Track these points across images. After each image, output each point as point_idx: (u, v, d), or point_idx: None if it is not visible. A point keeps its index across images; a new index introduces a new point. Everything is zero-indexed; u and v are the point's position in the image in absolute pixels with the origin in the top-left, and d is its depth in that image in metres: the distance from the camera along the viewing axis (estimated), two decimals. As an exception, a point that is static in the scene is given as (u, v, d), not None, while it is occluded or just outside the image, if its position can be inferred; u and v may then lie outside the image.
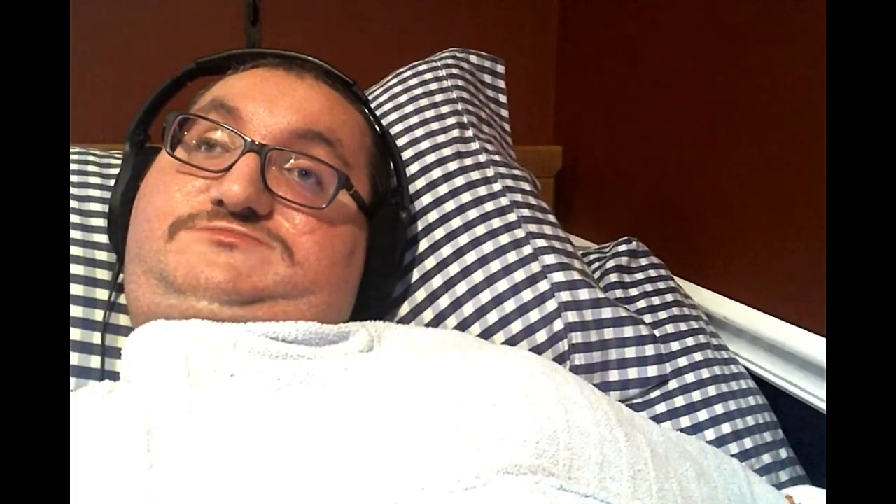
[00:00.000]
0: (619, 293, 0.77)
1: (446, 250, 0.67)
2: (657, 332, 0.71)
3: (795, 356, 0.72)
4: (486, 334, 0.64)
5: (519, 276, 0.66)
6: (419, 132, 0.74)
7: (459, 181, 0.71)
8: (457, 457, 0.40)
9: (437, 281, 0.66)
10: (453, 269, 0.67)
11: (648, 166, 1.02)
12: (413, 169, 0.71)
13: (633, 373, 0.67)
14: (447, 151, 0.73)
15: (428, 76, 0.79)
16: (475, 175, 0.72)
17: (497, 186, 0.72)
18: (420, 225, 0.69)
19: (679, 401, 0.68)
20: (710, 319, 0.79)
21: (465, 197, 0.70)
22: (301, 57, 0.61)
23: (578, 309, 0.65)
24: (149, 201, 0.53)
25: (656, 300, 0.76)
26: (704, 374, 0.70)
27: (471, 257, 0.67)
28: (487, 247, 0.67)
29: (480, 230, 0.68)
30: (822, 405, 0.69)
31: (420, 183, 0.71)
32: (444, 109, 0.76)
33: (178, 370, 0.43)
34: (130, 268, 0.52)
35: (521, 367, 0.50)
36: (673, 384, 0.69)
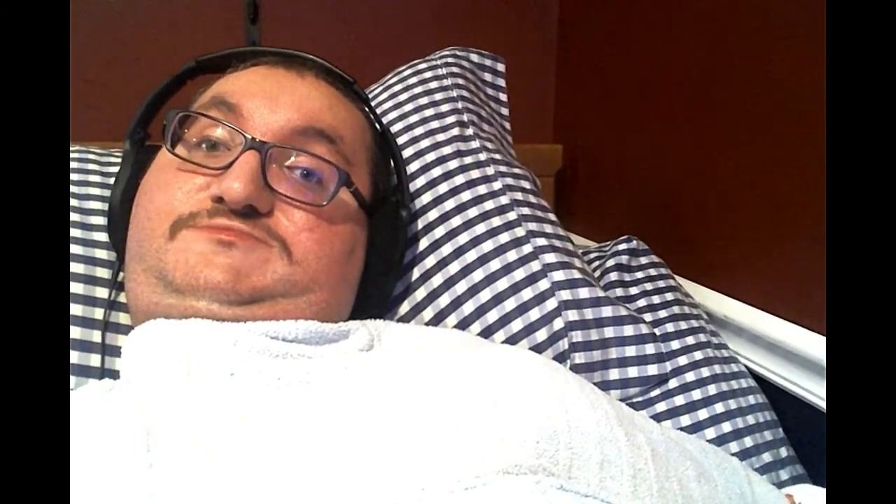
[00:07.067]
0: (619, 292, 0.76)
1: (446, 249, 0.67)
2: (657, 331, 0.71)
3: (795, 355, 0.72)
4: (487, 333, 0.64)
5: (519, 274, 0.66)
6: (419, 131, 0.74)
7: (459, 180, 0.71)
8: (457, 456, 0.40)
9: (437, 279, 0.66)
10: (453, 267, 0.67)
11: (648, 165, 1.02)
12: (413, 167, 0.71)
13: (633, 371, 0.67)
14: (447, 150, 0.73)
15: (428, 75, 0.79)
16: (475, 174, 0.72)
17: (497, 185, 0.71)
18: (420, 223, 0.69)
19: (679, 399, 0.68)
20: (710, 318, 0.79)
21: (465, 195, 0.70)
22: (301, 55, 0.61)
23: (578, 307, 0.65)
24: (149, 200, 0.53)
25: (656, 299, 0.76)
26: (705, 372, 0.70)
27: (471, 256, 0.67)
28: (487, 245, 0.67)
29: (480, 229, 0.68)
30: (822, 404, 0.69)
31: (420, 181, 0.71)
32: (444, 108, 0.76)
33: (178, 369, 0.43)
34: (130, 266, 0.52)
35: (522, 366, 0.49)
36: (673, 383, 0.68)
